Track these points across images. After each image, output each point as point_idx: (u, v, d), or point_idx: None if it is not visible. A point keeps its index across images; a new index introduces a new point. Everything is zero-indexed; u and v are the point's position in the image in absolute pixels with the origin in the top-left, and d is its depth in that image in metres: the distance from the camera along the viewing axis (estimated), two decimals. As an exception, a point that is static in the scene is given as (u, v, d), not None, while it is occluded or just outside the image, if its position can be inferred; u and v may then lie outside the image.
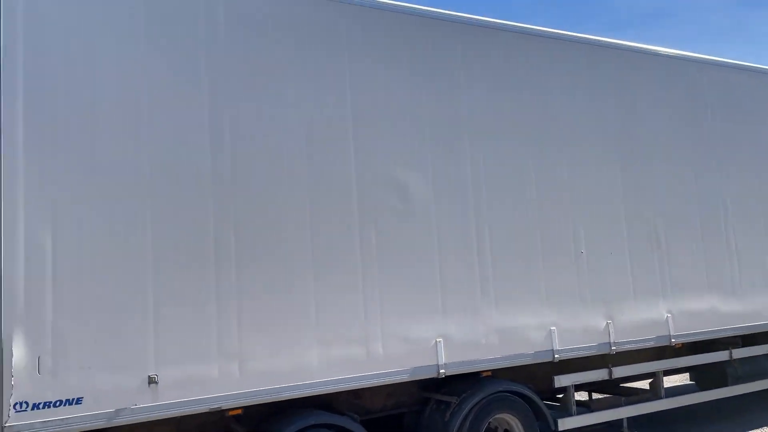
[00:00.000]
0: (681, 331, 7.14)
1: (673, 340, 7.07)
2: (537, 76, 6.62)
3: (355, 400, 5.84)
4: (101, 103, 4.68)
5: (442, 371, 5.70)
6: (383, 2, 5.94)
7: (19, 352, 4.22)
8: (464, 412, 5.73)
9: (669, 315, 7.06)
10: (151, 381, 4.60)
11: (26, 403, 4.21)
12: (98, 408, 4.41)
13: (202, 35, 5.07)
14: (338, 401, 5.64)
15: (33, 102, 4.46)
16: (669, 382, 8.26)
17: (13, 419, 4.15)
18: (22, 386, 4.20)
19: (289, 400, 5.10)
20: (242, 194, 5.08)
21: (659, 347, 7.20)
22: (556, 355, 6.29)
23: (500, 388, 5.98)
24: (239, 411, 4.99)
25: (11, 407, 4.15)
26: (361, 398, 5.89)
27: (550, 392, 6.76)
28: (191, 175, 4.92)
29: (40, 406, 4.26)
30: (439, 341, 5.73)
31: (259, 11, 5.33)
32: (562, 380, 6.51)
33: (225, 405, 4.84)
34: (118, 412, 4.47)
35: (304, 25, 5.51)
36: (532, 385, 6.35)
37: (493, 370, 6.06)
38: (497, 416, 6.00)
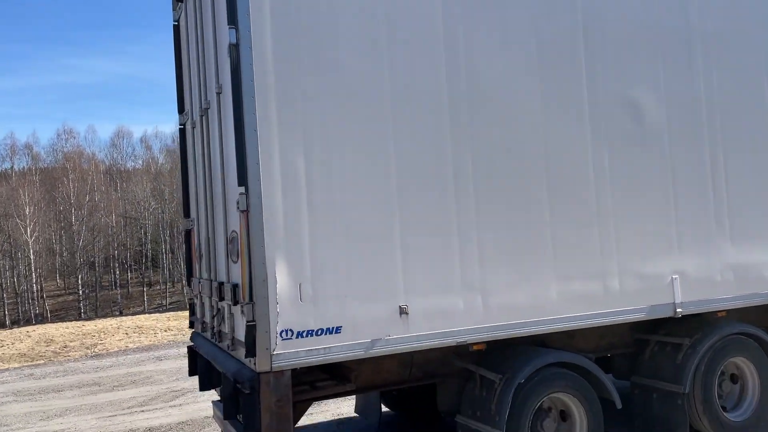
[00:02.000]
0: None
1: None
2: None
3: (568, 339, 5.50)
4: (343, 21, 4.38)
5: (678, 310, 5.27)
6: None
7: (282, 279, 4.08)
8: (699, 355, 5.30)
9: None
10: (403, 311, 4.40)
11: (291, 331, 4.09)
12: (355, 338, 4.25)
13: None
14: (551, 340, 5.32)
15: (279, 21, 4.19)
16: None
17: (280, 347, 4.04)
18: (286, 314, 4.07)
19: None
20: (477, 119, 4.71)
21: None
22: (793, 296, 5.72)
23: (735, 330, 5.50)
24: (483, 346, 4.76)
25: (278, 335, 4.03)
26: (573, 338, 5.55)
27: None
28: (429, 98, 4.59)
29: (303, 334, 4.13)
30: (675, 278, 5.28)
31: None
32: None
33: (471, 339, 4.61)
34: (373, 342, 4.30)
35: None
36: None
37: (727, 311, 5.58)
38: (730, 360, 5.54)
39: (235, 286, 4.34)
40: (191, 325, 6.29)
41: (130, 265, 53.44)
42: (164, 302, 48.20)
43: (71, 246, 49.08)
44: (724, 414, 5.40)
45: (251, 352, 3.99)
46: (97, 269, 49.83)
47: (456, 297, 4.58)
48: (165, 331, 18.90)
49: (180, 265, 49.47)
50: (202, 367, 5.53)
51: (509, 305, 4.73)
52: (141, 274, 52.36)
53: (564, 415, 4.97)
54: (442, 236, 4.57)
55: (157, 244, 52.33)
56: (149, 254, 52.77)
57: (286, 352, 4.06)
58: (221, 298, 4.76)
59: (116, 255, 51.93)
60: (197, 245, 5.79)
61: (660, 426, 5.39)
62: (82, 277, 47.77)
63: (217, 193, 4.83)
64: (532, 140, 4.88)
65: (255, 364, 4.01)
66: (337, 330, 4.22)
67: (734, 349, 5.49)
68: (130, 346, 16.36)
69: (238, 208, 4.20)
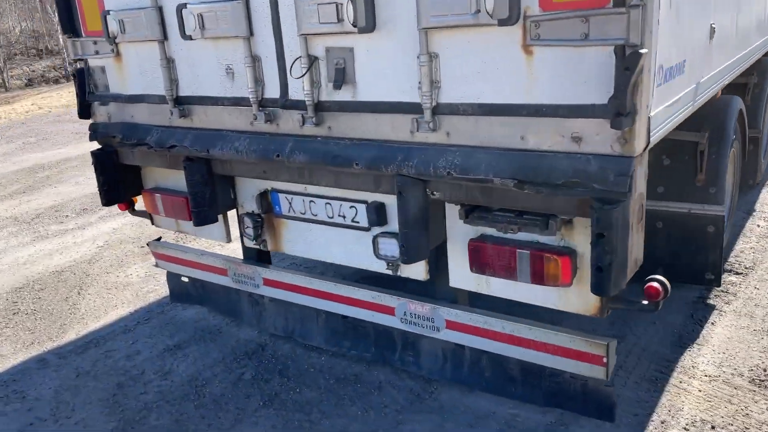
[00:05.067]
0: None
1: None
2: None
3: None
4: None
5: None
6: None
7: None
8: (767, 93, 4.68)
9: None
10: (711, 34, 2.57)
11: (661, 68, 1.94)
12: (690, 81, 2.34)
13: None
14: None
15: None
16: None
17: (656, 102, 1.88)
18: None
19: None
20: None
21: None
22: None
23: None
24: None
25: (650, 96, 1.84)
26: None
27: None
28: None
29: (669, 75, 2.03)
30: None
31: None
32: None
33: (716, 86, 3.01)
34: (697, 88, 2.46)
35: None
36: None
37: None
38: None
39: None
40: (83, 114, 3.13)
41: None
42: None
43: None
44: (763, 158, 5.09)
45: (625, 118, 1.74)
46: None
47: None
48: None
49: None
50: (197, 185, 2.78)
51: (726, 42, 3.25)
52: None
53: None
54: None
55: None
56: None
57: (659, 112, 1.94)
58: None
59: None
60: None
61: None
62: None
63: None
64: None
65: (626, 138, 1.79)
66: (681, 67, 2.20)
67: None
68: None
69: None
